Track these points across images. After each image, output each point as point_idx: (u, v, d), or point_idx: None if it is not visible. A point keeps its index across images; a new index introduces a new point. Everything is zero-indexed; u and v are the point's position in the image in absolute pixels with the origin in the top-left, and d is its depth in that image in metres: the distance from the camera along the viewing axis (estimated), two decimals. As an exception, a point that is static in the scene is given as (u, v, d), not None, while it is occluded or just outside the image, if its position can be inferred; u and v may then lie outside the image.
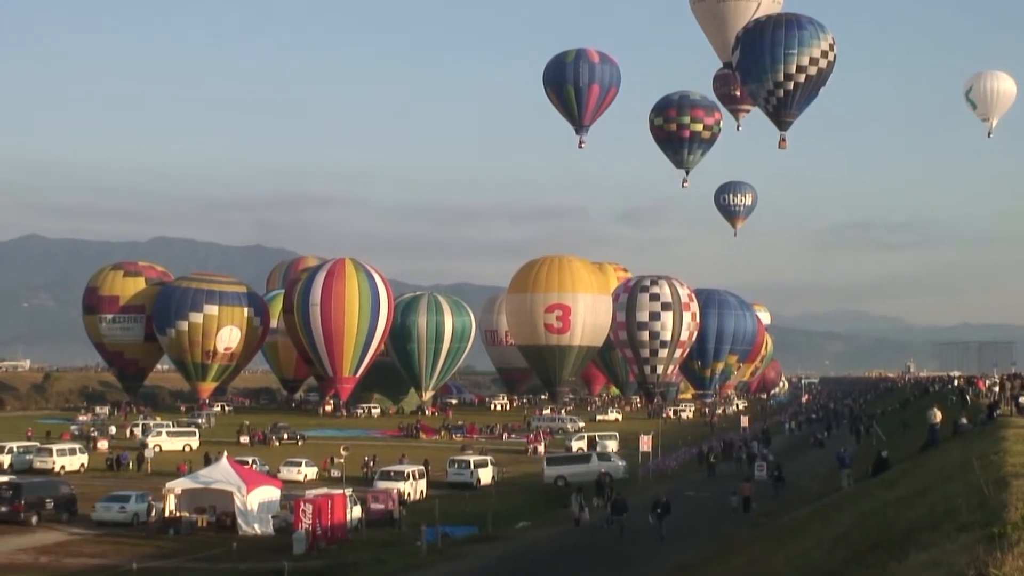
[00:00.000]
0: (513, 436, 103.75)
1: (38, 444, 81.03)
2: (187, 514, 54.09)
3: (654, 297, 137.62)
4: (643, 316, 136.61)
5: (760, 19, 70.18)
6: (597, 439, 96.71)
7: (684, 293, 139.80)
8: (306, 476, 69.67)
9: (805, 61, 67.80)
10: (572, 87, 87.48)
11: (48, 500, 57.17)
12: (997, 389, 66.48)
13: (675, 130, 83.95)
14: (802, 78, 68.00)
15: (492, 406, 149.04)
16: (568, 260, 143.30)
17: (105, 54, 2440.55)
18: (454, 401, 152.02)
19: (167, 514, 54.37)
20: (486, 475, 71.87)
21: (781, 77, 67.74)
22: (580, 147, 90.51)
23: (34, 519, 54.47)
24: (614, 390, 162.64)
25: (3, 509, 54.49)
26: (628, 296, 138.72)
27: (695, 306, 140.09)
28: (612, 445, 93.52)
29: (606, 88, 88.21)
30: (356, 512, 54.12)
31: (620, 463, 75.42)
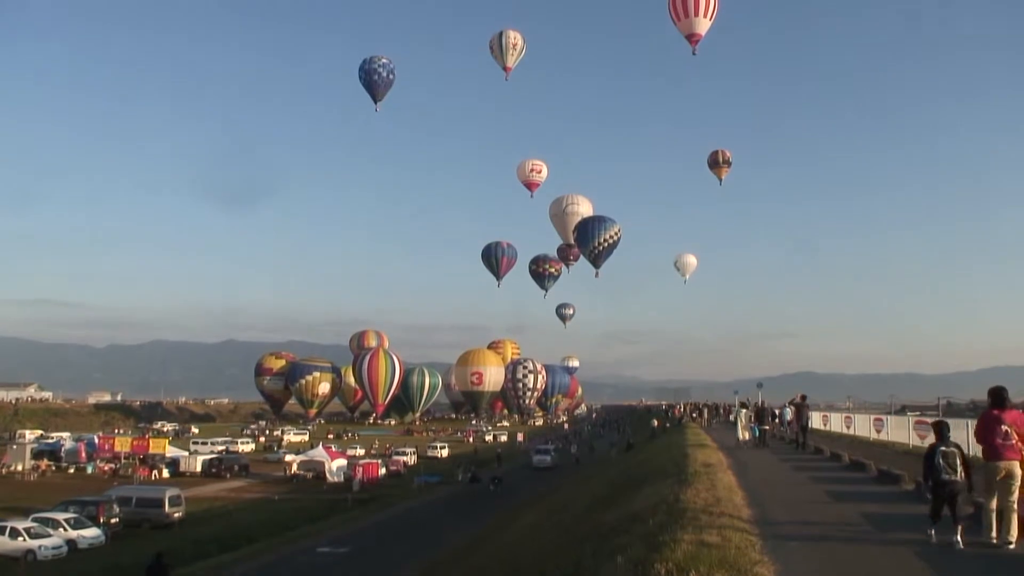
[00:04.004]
0: (459, 433, 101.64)
1: (231, 438, 78.46)
2: (301, 472, 52.54)
3: (524, 368, 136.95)
4: (519, 376, 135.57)
5: (586, 217, 69.08)
6: (495, 435, 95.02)
7: (538, 366, 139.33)
8: (359, 452, 67.84)
9: (606, 236, 66.32)
10: (494, 258, 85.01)
11: (235, 465, 55.45)
12: (683, 410, 67.01)
13: (540, 271, 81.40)
14: (605, 244, 66.35)
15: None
16: (483, 350, 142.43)
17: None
18: (430, 418, 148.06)
19: (292, 472, 52.84)
20: (445, 452, 70.55)
21: (596, 243, 66.14)
22: (498, 287, 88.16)
23: (228, 475, 52.71)
24: (507, 411, 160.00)
25: (213, 470, 52.98)
26: (512, 367, 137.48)
27: (543, 372, 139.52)
28: (504, 438, 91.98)
29: (511, 258, 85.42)
30: (383, 470, 53.11)
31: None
